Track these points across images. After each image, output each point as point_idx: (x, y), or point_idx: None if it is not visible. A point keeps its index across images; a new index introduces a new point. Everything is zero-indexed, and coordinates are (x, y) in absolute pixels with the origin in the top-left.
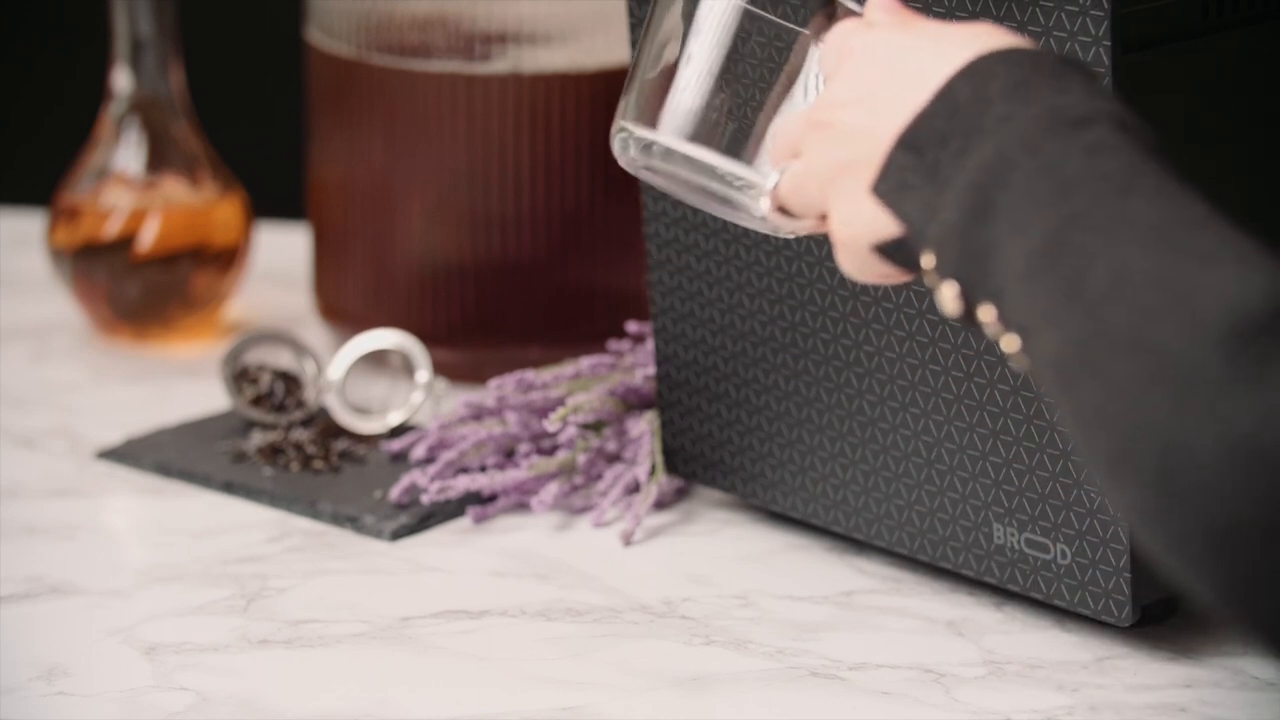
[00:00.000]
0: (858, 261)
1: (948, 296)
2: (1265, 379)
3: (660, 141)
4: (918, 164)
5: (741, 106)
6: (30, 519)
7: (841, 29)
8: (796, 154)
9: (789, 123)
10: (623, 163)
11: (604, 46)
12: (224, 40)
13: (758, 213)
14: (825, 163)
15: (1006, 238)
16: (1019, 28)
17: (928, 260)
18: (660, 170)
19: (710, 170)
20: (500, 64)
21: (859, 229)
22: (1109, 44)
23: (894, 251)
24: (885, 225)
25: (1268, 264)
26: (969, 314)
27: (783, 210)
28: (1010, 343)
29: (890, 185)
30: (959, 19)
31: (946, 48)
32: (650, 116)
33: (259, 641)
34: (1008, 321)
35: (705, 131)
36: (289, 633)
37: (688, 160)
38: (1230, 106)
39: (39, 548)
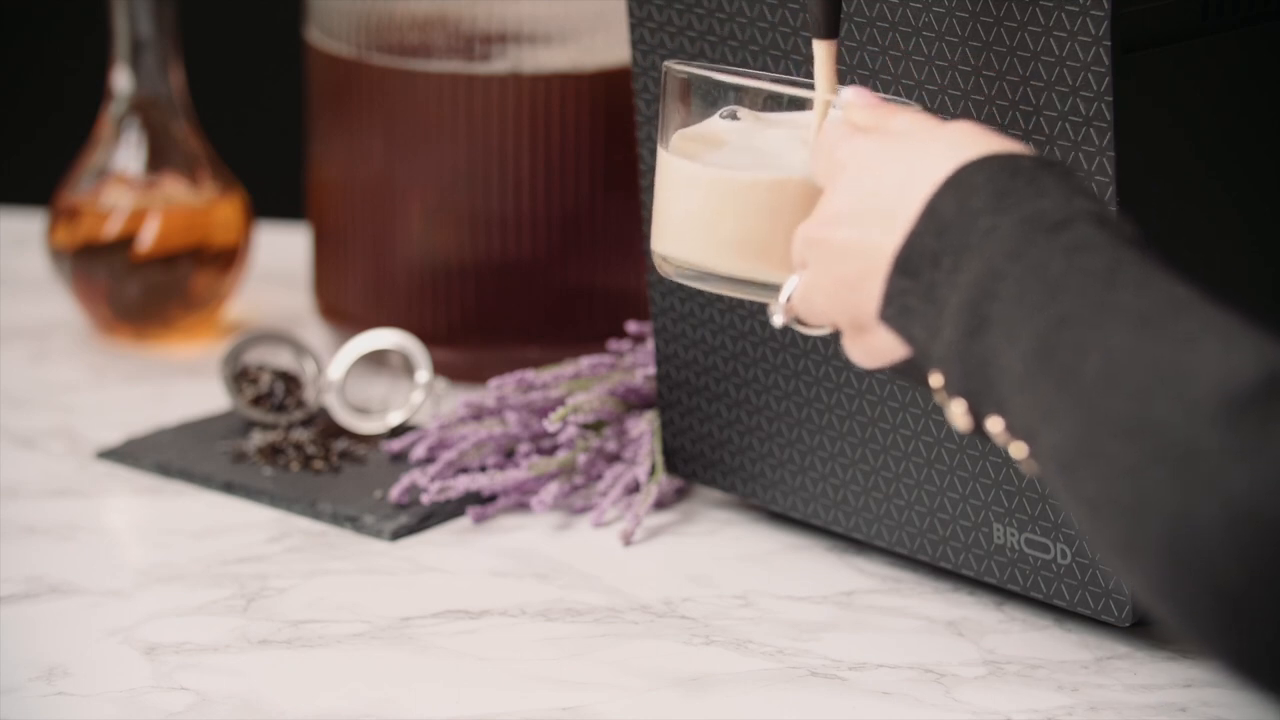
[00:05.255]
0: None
1: (957, 413)
2: (1261, 448)
3: (697, 264)
4: (915, 286)
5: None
6: (30, 519)
7: (829, 139)
8: (805, 265)
9: (796, 235)
10: (664, 276)
11: (604, 46)
12: (224, 40)
13: (776, 323)
14: (827, 279)
15: (1002, 348)
16: (1019, 28)
17: (935, 380)
18: (697, 283)
19: (746, 284)
20: (500, 64)
21: (869, 353)
22: (1109, 44)
23: (905, 371)
24: (893, 348)
25: (1253, 338)
26: (979, 427)
27: (799, 320)
28: (1019, 450)
29: (894, 311)
30: (959, 19)
31: (929, 159)
32: (682, 238)
33: (259, 641)
34: (1014, 429)
35: (733, 248)
36: (289, 633)
37: (719, 278)
38: (1230, 106)
39: (39, 548)
